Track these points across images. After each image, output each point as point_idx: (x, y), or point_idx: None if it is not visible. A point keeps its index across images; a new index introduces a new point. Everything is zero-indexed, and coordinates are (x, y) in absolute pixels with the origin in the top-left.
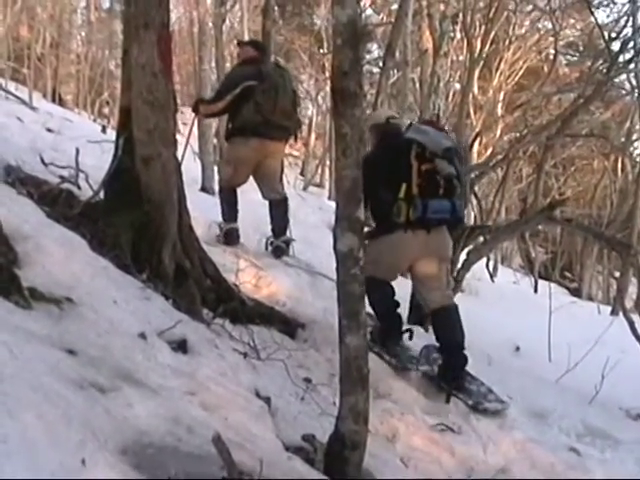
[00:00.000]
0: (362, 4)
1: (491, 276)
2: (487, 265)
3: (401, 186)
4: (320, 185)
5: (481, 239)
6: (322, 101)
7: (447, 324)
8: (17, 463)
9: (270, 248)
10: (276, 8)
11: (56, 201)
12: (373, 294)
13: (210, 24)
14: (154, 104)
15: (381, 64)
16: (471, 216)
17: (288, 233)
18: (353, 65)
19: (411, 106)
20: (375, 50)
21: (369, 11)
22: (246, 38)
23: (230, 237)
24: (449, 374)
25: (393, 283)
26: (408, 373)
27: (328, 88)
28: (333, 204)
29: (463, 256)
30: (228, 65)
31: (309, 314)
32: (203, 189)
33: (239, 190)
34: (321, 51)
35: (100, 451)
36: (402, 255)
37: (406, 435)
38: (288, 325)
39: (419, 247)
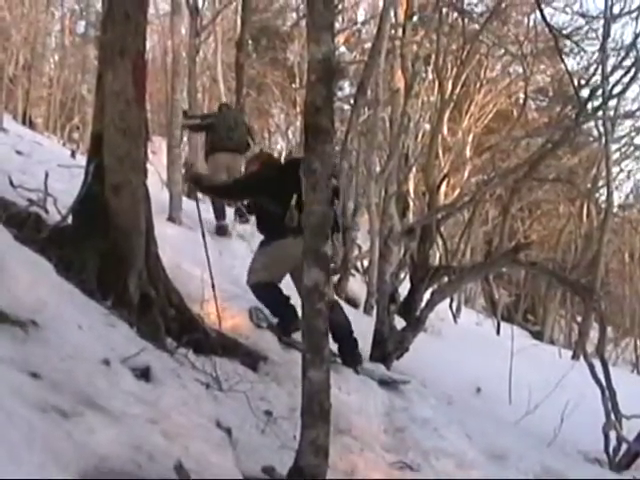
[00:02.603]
0: (336, 42)
1: (454, 317)
2: (450, 306)
3: (292, 197)
4: None
5: (445, 279)
6: (292, 135)
7: (337, 317)
8: None
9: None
10: (250, 42)
11: (24, 224)
12: (265, 295)
13: (184, 54)
14: (126, 131)
15: (352, 101)
16: (436, 256)
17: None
18: (326, 102)
19: (380, 145)
20: (347, 87)
21: (342, 48)
22: (219, 70)
23: (221, 230)
24: (348, 358)
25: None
26: (368, 409)
27: (299, 123)
28: None
29: (427, 296)
30: (200, 96)
31: (271, 347)
32: (170, 219)
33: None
34: (293, 86)
35: (61, 475)
36: (293, 256)
37: (365, 471)
38: (250, 357)
39: None
